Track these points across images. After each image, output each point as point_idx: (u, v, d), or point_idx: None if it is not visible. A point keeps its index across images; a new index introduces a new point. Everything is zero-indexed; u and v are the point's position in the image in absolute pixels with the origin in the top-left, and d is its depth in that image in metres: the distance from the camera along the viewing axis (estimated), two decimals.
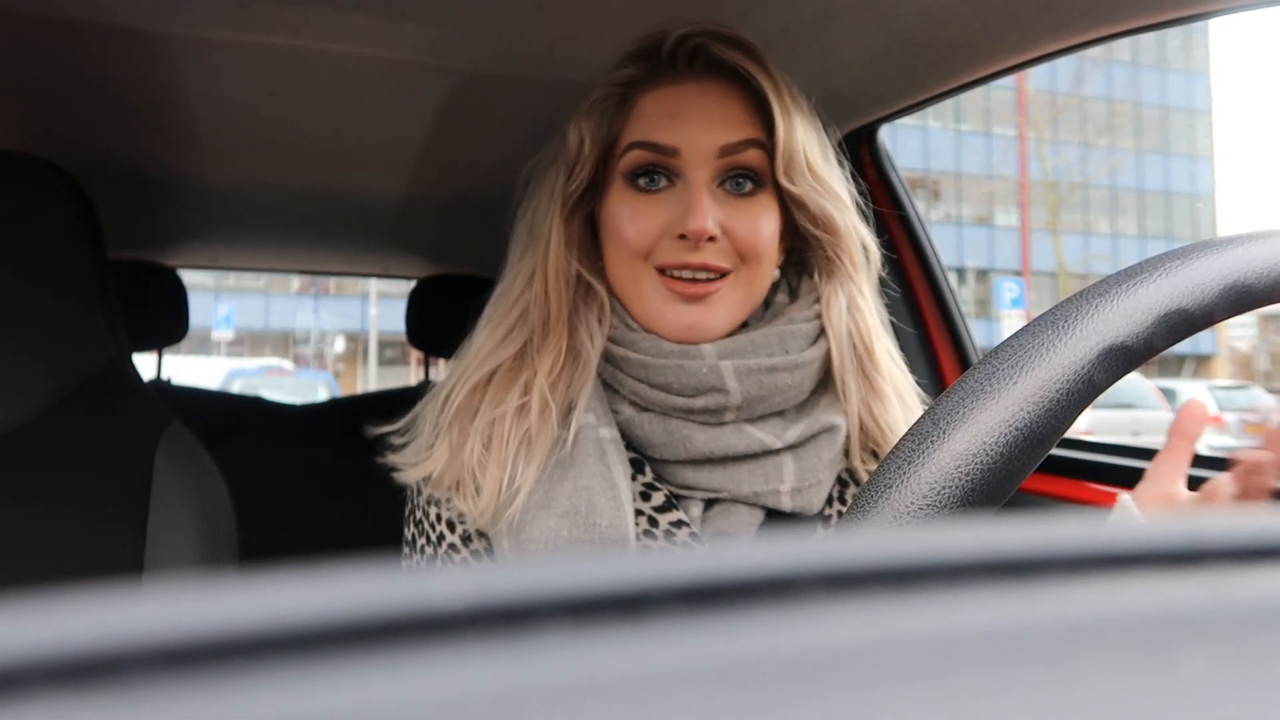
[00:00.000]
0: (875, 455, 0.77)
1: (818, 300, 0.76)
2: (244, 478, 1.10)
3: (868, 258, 0.78)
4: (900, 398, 0.78)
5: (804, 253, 0.78)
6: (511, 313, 0.75)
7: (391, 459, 0.77)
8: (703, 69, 0.73)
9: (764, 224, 0.72)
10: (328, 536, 1.65)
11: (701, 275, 0.70)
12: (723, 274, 0.71)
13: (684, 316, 0.71)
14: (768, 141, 0.72)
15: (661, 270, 0.71)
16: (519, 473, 0.70)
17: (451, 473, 0.72)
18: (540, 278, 0.74)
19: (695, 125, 0.71)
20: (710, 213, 0.69)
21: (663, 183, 0.72)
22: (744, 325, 0.75)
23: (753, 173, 0.72)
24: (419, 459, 0.74)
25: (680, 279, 0.70)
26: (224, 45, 1.03)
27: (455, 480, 0.72)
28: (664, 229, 0.71)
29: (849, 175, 0.78)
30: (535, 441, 0.71)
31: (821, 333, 0.75)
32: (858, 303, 0.76)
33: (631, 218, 0.71)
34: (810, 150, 0.73)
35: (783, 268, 0.80)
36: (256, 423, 1.92)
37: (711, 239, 0.70)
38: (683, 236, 0.69)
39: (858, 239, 0.76)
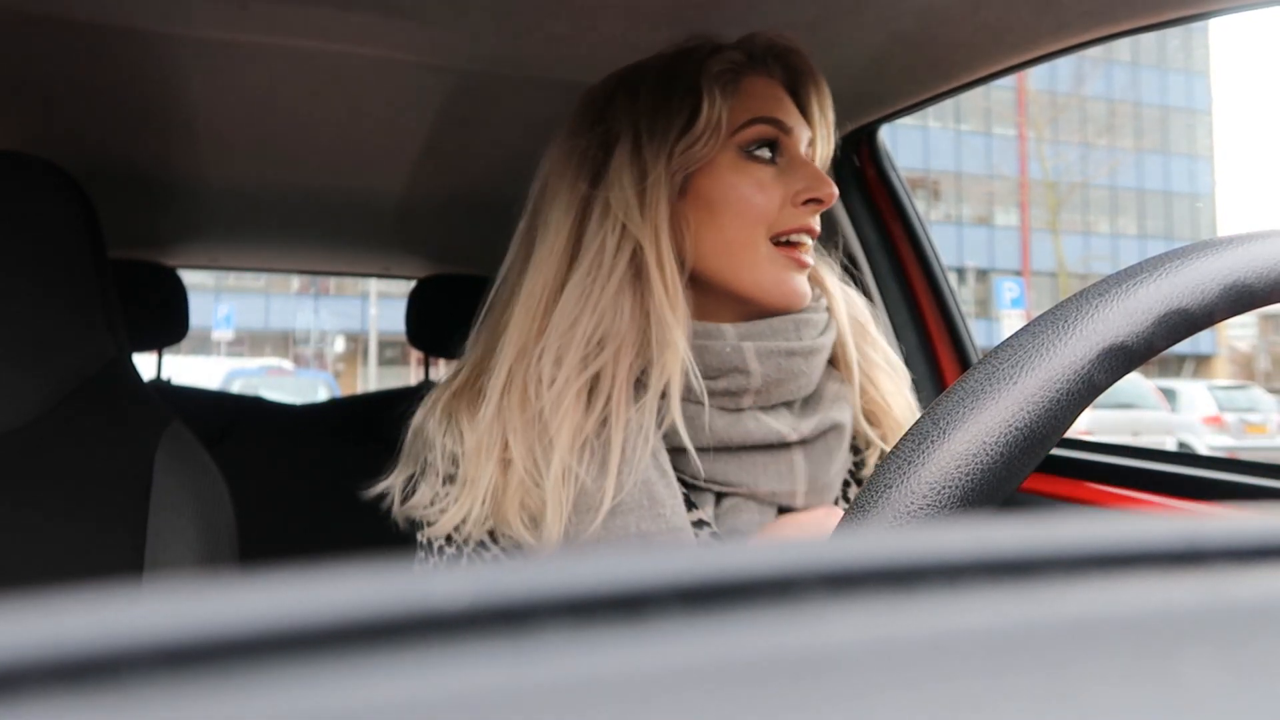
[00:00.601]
0: (871, 422, 0.80)
1: (821, 294, 0.79)
2: (244, 478, 1.10)
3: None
4: (889, 363, 0.82)
5: None
6: (612, 282, 0.69)
7: (404, 511, 0.71)
8: (781, 72, 0.78)
9: None
10: (328, 536, 1.65)
11: (809, 242, 0.75)
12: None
13: (799, 285, 0.74)
14: None
15: (776, 239, 0.74)
16: (594, 484, 0.66)
17: (505, 508, 0.67)
18: (652, 240, 0.70)
19: (794, 113, 0.76)
20: None
21: (771, 156, 0.75)
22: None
23: None
24: (448, 502, 0.68)
25: (800, 244, 0.74)
26: (224, 45, 1.03)
27: (507, 516, 0.67)
28: (786, 197, 0.74)
29: None
30: (613, 443, 0.67)
31: (828, 323, 0.77)
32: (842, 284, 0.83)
33: (760, 186, 0.73)
34: None
35: None
36: (256, 423, 1.91)
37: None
38: (809, 201, 0.73)
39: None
